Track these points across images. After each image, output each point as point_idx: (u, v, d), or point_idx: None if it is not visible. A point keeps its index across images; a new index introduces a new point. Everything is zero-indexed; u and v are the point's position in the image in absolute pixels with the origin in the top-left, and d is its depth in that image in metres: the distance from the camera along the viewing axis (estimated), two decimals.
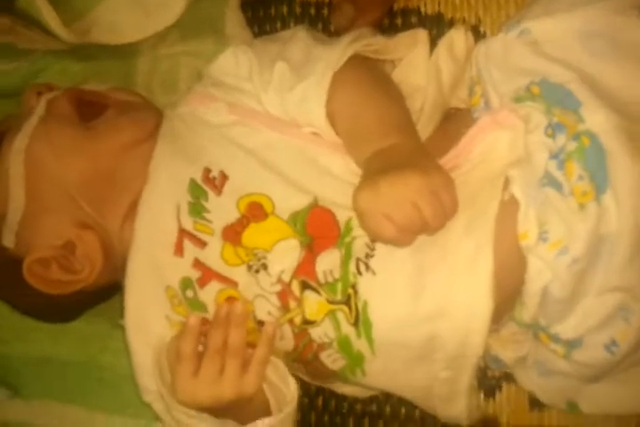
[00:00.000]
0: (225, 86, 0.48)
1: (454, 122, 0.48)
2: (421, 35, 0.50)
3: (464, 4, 0.55)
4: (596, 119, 0.39)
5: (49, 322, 0.59)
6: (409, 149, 0.42)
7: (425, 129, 0.47)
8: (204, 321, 0.45)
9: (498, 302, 0.42)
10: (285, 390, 0.46)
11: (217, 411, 0.45)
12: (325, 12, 0.58)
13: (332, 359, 0.45)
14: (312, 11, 0.59)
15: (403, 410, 0.57)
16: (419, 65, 0.49)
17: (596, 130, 0.39)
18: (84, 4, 0.57)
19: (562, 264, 0.40)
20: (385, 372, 0.46)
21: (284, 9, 0.59)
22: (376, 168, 0.41)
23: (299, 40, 0.47)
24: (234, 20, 0.57)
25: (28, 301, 0.54)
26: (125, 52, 0.59)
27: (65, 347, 0.63)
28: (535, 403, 0.54)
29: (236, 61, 0.47)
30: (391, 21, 0.55)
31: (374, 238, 0.42)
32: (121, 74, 0.60)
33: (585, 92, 0.40)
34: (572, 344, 0.44)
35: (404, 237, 0.40)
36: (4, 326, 0.63)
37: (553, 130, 0.41)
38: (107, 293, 0.54)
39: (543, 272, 0.41)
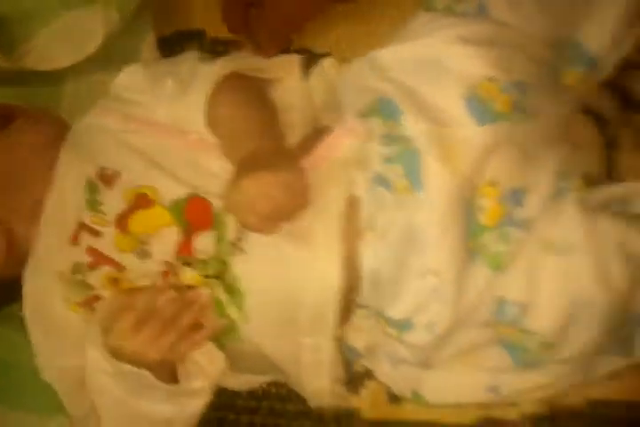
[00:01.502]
0: (123, 100, 0.56)
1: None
2: (296, 59, 0.59)
3: (350, 45, 0.64)
4: (410, 125, 0.47)
5: None
6: (270, 152, 0.49)
7: (294, 138, 0.54)
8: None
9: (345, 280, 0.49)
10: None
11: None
12: (231, 49, 0.67)
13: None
14: (220, 48, 0.68)
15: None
16: (293, 86, 0.58)
17: (410, 133, 0.47)
18: (18, 35, 0.66)
19: (384, 248, 0.47)
20: (257, 336, 0.52)
21: (196, 45, 0.69)
22: (242, 168, 0.48)
23: (187, 60, 0.56)
24: (148, 53, 0.66)
25: None
26: (54, 79, 0.67)
27: None
28: (393, 397, 0.60)
29: (134, 79, 0.56)
30: None
31: (246, 229, 0.49)
32: (49, 97, 0.67)
33: (406, 105, 0.48)
34: (403, 326, 0.51)
35: (267, 226, 0.47)
36: None
37: (386, 138, 0.49)
38: (14, 290, 0.59)
39: (370, 256, 0.48)
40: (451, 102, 0.48)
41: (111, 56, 0.64)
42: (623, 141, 0.58)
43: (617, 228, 0.48)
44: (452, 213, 0.46)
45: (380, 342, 0.55)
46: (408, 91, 0.49)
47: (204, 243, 0.50)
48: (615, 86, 0.59)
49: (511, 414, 0.58)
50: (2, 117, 0.58)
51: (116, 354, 0.51)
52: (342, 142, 0.51)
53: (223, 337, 0.53)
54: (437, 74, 0.49)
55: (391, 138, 0.48)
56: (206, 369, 0.53)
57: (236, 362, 0.56)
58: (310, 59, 0.61)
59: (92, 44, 0.63)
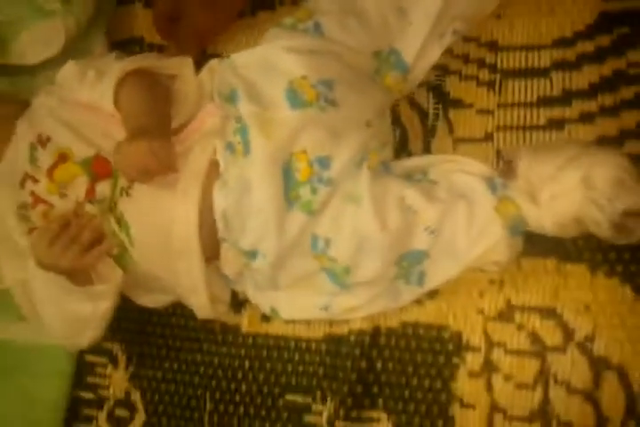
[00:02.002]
0: (61, 86, 0.76)
1: None
2: (189, 59, 0.77)
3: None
4: (242, 108, 0.66)
5: None
6: (151, 127, 0.68)
7: (187, 116, 0.74)
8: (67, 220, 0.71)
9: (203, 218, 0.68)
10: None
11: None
12: (163, 51, 0.88)
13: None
14: (155, 50, 0.88)
15: None
16: (187, 80, 0.77)
17: (243, 114, 0.66)
18: (3, 38, 0.87)
19: (227, 194, 0.67)
20: (144, 259, 0.71)
21: (137, 49, 0.89)
22: (128, 136, 0.68)
23: (107, 58, 0.78)
24: (100, 53, 0.87)
25: None
26: (29, 71, 0.88)
27: None
28: (266, 316, 0.79)
29: (70, 71, 0.75)
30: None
31: (125, 179, 0.69)
32: (27, 84, 0.88)
33: (241, 93, 0.67)
34: (250, 255, 0.69)
35: (138, 178, 0.67)
36: None
37: (235, 118, 0.68)
38: None
39: (220, 200, 0.68)
40: (275, 92, 0.66)
41: (71, 55, 0.84)
42: (439, 129, 0.75)
43: (399, 187, 0.67)
44: (270, 169, 0.65)
45: (242, 269, 0.74)
46: (249, 83, 0.68)
47: (102, 188, 0.71)
48: (432, 86, 0.75)
49: (343, 330, 0.76)
50: None
51: (41, 265, 0.70)
52: (207, 120, 0.71)
53: (121, 258, 0.72)
54: (270, 71, 0.67)
55: (236, 117, 0.68)
56: (108, 278, 0.72)
57: (138, 282, 0.76)
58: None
59: (56, 46, 0.84)
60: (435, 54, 0.72)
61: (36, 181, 0.73)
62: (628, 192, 0.60)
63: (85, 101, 0.74)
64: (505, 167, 0.68)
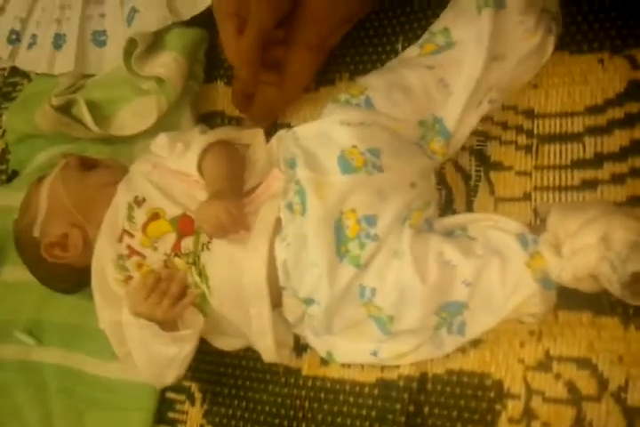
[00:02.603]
0: (154, 154, 0.89)
1: None
2: (260, 131, 0.89)
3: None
4: (300, 173, 0.76)
5: (59, 291, 0.97)
6: (226, 191, 0.79)
7: (258, 179, 0.84)
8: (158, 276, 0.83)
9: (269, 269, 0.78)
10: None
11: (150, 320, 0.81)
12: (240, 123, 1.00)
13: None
14: (233, 122, 1.01)
15: None
16: (258, 148, 0.88)
17: (300, 179, 0.76)
18: (107, 113, 1.02)
19: (287, 248, 0.76)
20: (221, 307, 0.81)
21: (219, 121, 1.02)
22: (208, 198, 0.79)
23: (193, 131, 0.90)
24: (186, 126, 1.00)
25: (45, 273, 0.94)
26: (129, 141, 1.03)
27: (73, 315, 1.03)
28: (324, 360, 0.86)
29: (162, 142, 0.88)
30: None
31: (203, 233, 0.80)
32: (126, 153, 1.03)
33: (299, 160, 0.77)
34: (308, 302, 0.78)
35: (218, 233, 0.78)
36: (45, 299, 1.03)
37: (295, 182, 0.77)
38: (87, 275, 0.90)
39: (280, 253, 0.77)
40: (329, 160, 0.75)
41: (163, 127, 0.97)
42: (480, 190, 0.82)
43: (439, 243, 0.73)
44: (322, 227, 0.73)
45: (302, 316, 0.83)
46: (308, 152, 0.78)
47: (187, 244, 0.82)
48: (475, 150, 0.83)
49: (394, 375, 0.82)
50: (88, 165, 0.93)
51: (136, 314, 0.82)
52: (272, 184, 0.82)
53: (202, 306, 0.83)
54: (325, 142, 0.77)
55: (296, 181, 0.77)
56: (192, 323, 0.83)
57: (216, 327, 0.86)
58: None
59: (151, 119, 0.99)
60: (473, 121, 0.79)
61: (131, 235, 0.85)
62: (638, 257, 0.64)
63: (174, 169, 0.86)
64: (539, 225, 0.74)
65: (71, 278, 0.94)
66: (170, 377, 0.85)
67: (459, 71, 0.78)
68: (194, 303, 0.83)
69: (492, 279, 0.71)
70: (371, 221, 0.74)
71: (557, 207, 0.72)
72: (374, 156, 0.75)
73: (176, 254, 0.83)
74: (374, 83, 0.81)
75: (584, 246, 0.66)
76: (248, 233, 0.79)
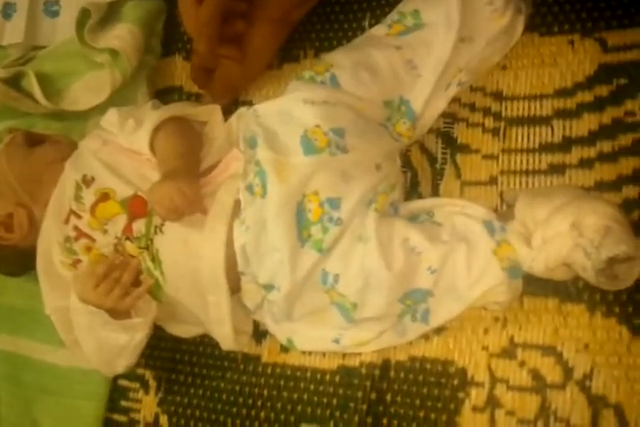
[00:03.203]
0: (105, 130, 0.85)
1: None
2: (217, 107, 0.86)
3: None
4: (261, 154, 0.73)
5: (3, 274, 0.92)
6: (181, 170, 0.76)
7: (216, 158, 0.81)
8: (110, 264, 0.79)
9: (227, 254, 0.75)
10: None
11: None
12: (199, 99, 0.97)
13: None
14: (192, 98, 0.97)
15: None
16: (215, 125, 0.85)
17: (261, 159, 0.73)
18: (59, 87, 0.98)
19: (246, 232, 0.74)
20: (176, 293, 0.78)
21: (176, 97, 0.99)
22: (161, 178, 0.76)
23: (145, 107, 0.86)
24: (142, 101, 0.96)
25: None
26: (82, 116, 0.98)
27: (19, 298, 0.99)
28: (284, 347, 0.84)
29: (112, 117, 0.84)
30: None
31: (156, 216, 0.76)
32: (78, 128, 0.98)
33: (260, 140, 0.73)
34: (268, 288, 0.75)
35: (171, 215, 0.74)
36: None
37: (256, 162, 0.74)
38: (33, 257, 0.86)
39: (239, 238, 0.74)
40: (291, 139, 0.72)
41: (117, 102, 0.94)
42: (446, 173, 0.80)
43: (404, 228, 0.72)
44: (284, 210, 0.71)
45: (261, 302, 0.80)
46: (269, 131, 0.74)
47: (138, 226, 0.78)
48: (441, 132, 0.81)
49: (355, 362, 0.81)
50: (35, 140, 0.89)
51: (84, 301, 0.78)
52: (232, 164, 0.78)
53: (155, 292, 0.80)
54: (288, 121, 0.74)
55: (256, 161, 0.75)
56: (144, 311, 0.79)
57: (170, 314, 0.83)
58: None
59: (104, 94, 0.95)
60: (441, 104, 0.77)
61: (79, 216, 0.81)
62: (615, 241, 0.63)
63: (126, 146, 0.82)
64: (506, 211, 0.73)
65: (17, 261, 0.89)
66: (120, 366, 0.82)
67: (428, 53, 0.76)
68: (147, 290, 0.80)
69: (458, 267, 0.70)
70: (334, 204, 0.72)
71: (525, 194, 0.71)
72: (338, 136, 0.72)
73: (127, 238, 0.79)
74: (340, 60, 0.78)
75: (555, 234, 0.65)
76: (204, 216, 0.76)
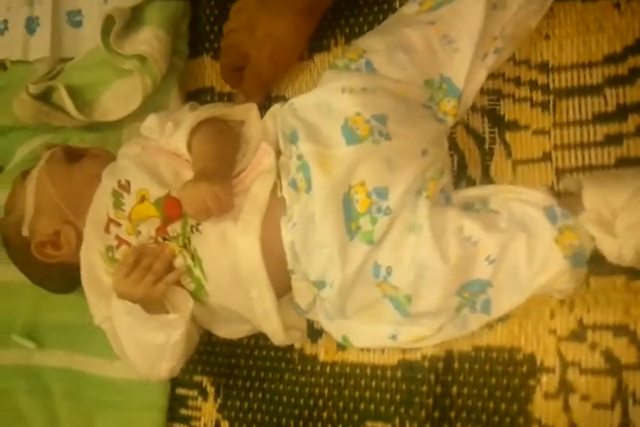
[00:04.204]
0: (144, 136, 0.85)
1: None
2: (254, 106, 0.85)
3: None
4: (303, 147, 0.72)
5: (54, 292, 0.94)
6: (214, 171, 0.75)
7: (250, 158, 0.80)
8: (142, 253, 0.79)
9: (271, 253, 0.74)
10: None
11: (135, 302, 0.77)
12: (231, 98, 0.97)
13: (187, 282, 0.79)
14: (224, 98, 0.97)
15: None
16: (252, 124, 0.84)
17: (303, 153, 0.72)
18: (89, 98, 0.98)
19: (294, 228, 0.73)
20: (219, 291, 0.77)
21: (208, 98, 0.99)
22: (193, 177, 0.75)
23: (183, 109, 0.86)
24: (174, 105, 0.96)
25: (38, 273, 0.90)
26: (115, 126, 0.99)
27: (72, 314, 0.99)
28: (340, 345, 0.83)
29: (151, 123, 0.84)
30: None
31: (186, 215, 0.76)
32: (113, 139, 0.99)
33: (300, 133, 0.73)
34: (319, 285, 0.74)
35: (199, 216, 0.74)
36: (41, 300, 1.00)
37: (298, 156, 0.74)
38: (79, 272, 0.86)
39: (286, 234, 0.74)
40: (332, 130, 0.71)
41: (150, 108, 0.93)
42: (496, 152, 0.78)
43: (457, 217, 0.70)
44: (330, 204, 0.70)
45: (314, 299, 0.79)
46: (308, 124, 0.74)
47: (174, 226, 0.78)
48: (487, 110, 0.79)
49: (417, 356, 0.80)
50: (74, 155, 0.89)
51: (120, 295, 0.78)
52: (263, 161, 0.78)
53: (198, 292, 0.79)
54: (326, 112, 0.73)
55: (298, 155, 0.74)
56: (181, 308, 0.79)
57: (216, 315, 0.82)
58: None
59: (136, 102, 0.95)
60: (481, 76, 0.75)
61: (118, 224, 0.81)
62: None
63: (165, 149, 0.82)
64: (570, 200, 0.70)
65: (66, 277, 0.89)
66: (163, 370, 0.80)
67: (462, 25, 0.74)
68: (189, 289, 0.79)
69: (518, 256, 0.68)
70: (382, 193, 0.70)
71: (589, 181, 0.68)
72: (380, 123, 0.71)
73: (164, 238, 0.79)
74: (373, 44, 0.76)
75: (637, 221, 0.63)
76: (239, 210, 0.75)
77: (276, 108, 0.83)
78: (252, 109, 0.85)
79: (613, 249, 0.66)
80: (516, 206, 0.70)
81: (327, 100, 0.74)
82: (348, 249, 0.71)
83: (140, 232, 0.80)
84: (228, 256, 0.76)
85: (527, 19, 0.75)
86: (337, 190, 0.71)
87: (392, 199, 0.70)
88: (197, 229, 0.77)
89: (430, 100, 0.76)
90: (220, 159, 0.78)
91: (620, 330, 0.70)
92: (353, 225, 0.71)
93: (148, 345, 0.79)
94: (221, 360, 0.93)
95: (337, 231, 0.70)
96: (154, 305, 0.78)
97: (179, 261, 0.78)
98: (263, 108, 0.86)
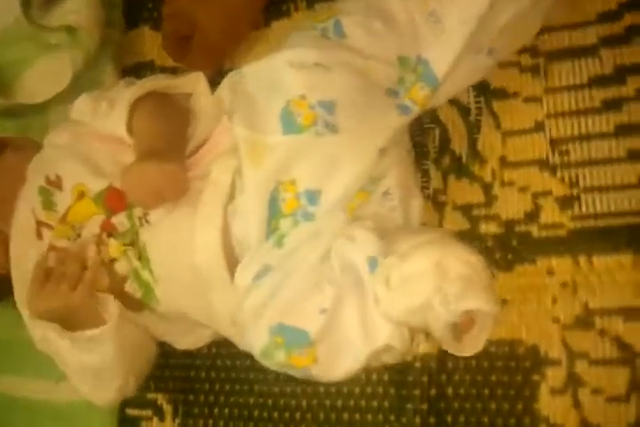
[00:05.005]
0: (74, 121, 0.76)
1: None
2: (201, 75, 0.77)
3: None
4: (237, 130, 0.64)
5: None
6: (162, 150, 0.67)
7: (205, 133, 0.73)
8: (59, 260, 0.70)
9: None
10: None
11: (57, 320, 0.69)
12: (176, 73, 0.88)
13: (133, 288, 0.70)
14: (167, 73, 0.88)
15: None
16: (201, 96, 0.76)
17: (237, 137, 0.64)
18: (8, 78, 0.89)
19: (234, 222, 0.66)
20: (171, 296, 0.69)
21: (149, 74, 0.90)
22: (137, 158, 0.67)
23: (118, 86, 0.77)
24: (110, 82, 0.87)
25: None
26: (40, 110, 0.89)
27: None
28: None
29: (82, 104, 0.76)
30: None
31: (132, 203, 0.67)
32: (38, 125, 0.90)
33: (237, 112, 0.65)
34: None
35: (150, 201, 0.66)
36: None
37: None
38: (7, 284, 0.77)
39: (232, 227, 0.66)
40: (271, 113, 0.62)
41: (81, 87, 0.85)
42: (483, 124, 0.73)
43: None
44: (256, 199, 0.63)
45: None
46: (250, 100, 0.65)
47: (120, 220, 0.70)
48: None
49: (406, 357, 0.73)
50: None
51: (38, 315, 0.70)
52: (221, 140, 0.70)
53: (147, 298, 0.71)
54: (271, 87, 0.64)
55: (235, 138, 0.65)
56: (103, 316, 0.70)
57: (171, 324, 0.74)
58: None
59: (65, 80, 0.86)
60: (468, 72, 0.67)
61: (50, 227, 0.73)
62: (474, 294, 0.57)
63: (101, 133, 0.74)
64: None
65: None
66: (111, 390, 0.74)
67: (457, 4, 0.64)
68: (135, 298, 0.71)
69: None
70: (312, 197, 0.63)
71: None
72: (327, 111, 0.61)
73: (110, 235, 0.70)
74: (349, 6, 0.68)
75: (416, 273, 0.58)
76: (194, 199, 0.67)
77: (232, 75, 0.74)
78: (199, 80, 0.77)
79: (385, 301, 0.59)
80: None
81: (273, 73, 0.64)
82: (259, 247, 0.64)
83: (79, 235, 0.71)
84: (183, 254, 0.67)
85: (535, 17, 0.67)
86: (264, 186, 0.63)
87: (321, 206, 0.63)
88: (147, 221, 0.69)
89: (399, 83, 0.66)
90: (169, 137, 0.70)
91: (630, 314, 0.66)
92: (273, 224, 0.64)
93: (81, 367, 0.72)
94: (178, 374, 0.85)
95: (256, 228, 0.64)
96: (81, 317, 0.70)
97: (121, 266, 0.70)
98: (213, 85, 0.78)
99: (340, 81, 0.63)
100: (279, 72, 0.63)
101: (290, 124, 0.61)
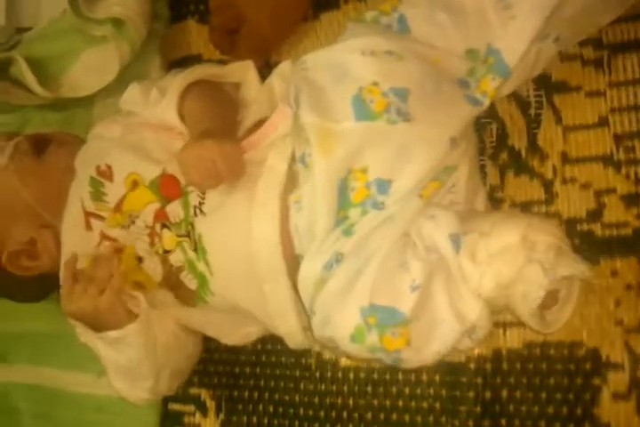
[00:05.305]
0: (125, 112, 0.76)
1: None
2: (250, 64, 0.76)
3: None
4: (304, 117, 0.61)
5: (19, 302, 0.83)
6: (218, 131, 0.66)
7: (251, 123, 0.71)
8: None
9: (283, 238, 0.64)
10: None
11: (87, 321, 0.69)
12: None
13: (188, 279, 0.69)
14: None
15: None
16: (251, 86, 0.75)
17: (304, 124, 0.61)
18: (55, 71, 0.87)
19: (295, 213, 0.64)
20: (226, 289, 0.68)
21: None
22: (193, 138, 0.66)
23: (168, 75, 0.77)
24: (156, 75, 0.86)
25: (6, 286, 0.79)
26: (85, 103, 0.88)
27: (42, 323, 0.90)
28: None
29: (132, 95, 0.75)
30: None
31: (188, 183, 0.66)
32: (82, 119, 0.89)
33: (304, 98, 0.62)
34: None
35: (208, 182, 0.64)
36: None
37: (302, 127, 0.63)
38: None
39: (293, 215, 0.64)
40: (342, 100, 0.60)
41: (127, 81, 0.83)
42: (544, 119, 0.70)
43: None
44: (327, 188, 0.60)
45: None
46: (316, 88, 0.63)
47: (174, 209, 0.68)
48: None
49: (460, 358, 0.71)
50: (39, 143, 0.78)
51: (70, 315, 0.70)
52: (280, 124, 0.67)
53: (201, 291, 0.69)
54: (340, 75, 0.62)
55: (302, 126, 0.62)
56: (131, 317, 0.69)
57: (221, 319, 0.73)
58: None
59: (111, 73, 0.84)
60: (529, 62, 0.64)
61: (101, 218, 0.72)
62: (570, 261, 0.59)
63: (151, 122, 0.73)
64: None
65: (42, 288, 0.81)
66: (143, 390, 0.74)
67: None
68: (190, 290, 0.70)
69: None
70: (383, 187, 0.61)
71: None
72: (400, 98, 0.59)
73: (164, 226, 0.69)
74: None
75: (503, 247, 0.58)
76: (251, 186, 0.65)
77: (284, 66, 0.73)
78: (249, 69, 0.76)
79: (473, 277, 0.59)
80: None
81: (343, 61, 0.63)
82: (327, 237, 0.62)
83: (133, 222, 0.70)
84: (239, 243, 0.66)
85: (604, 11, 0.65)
86: (335, 175, 0.61)
87: (391, 196, 0.61)
88: (202, 211, 0.67)
89: (470, 74, 0.64)
90: (222, 119, 0.69)
91: None
92: (341, 213, 0.62)
93: (115, 365, 0.72)
94: (222, 369, 0.84)
95: (326, 218, 0.61)
96: (111, 318, 0.69)
97: (176, 257, 0.69)
98: (261, 77, 0.78)
99: (413, 69, 0.61)
100: (350, 60, 0.62)
101: (362, 110, 0.59)
